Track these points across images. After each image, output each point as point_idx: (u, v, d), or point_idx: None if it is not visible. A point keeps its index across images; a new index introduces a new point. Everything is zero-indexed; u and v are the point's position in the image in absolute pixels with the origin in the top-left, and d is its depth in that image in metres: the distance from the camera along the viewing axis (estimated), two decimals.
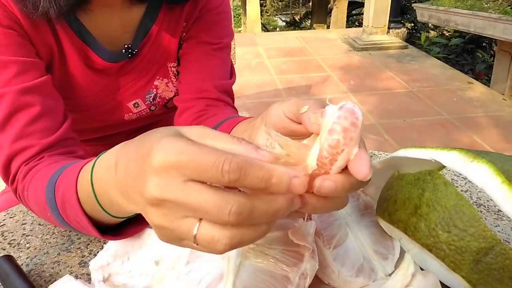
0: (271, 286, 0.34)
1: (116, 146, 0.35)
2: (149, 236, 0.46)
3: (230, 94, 0.74)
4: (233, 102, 0.75)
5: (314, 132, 0.32)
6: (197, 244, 0.27)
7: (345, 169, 0.30)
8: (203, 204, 0.25)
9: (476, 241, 0.31)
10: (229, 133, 0.57)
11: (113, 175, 0.33)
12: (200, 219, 0.26)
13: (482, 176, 0.36)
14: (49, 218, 0.48)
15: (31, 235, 0.56)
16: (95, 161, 0.39)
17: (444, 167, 0.40)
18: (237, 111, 0.74)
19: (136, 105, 0.73)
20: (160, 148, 0.27)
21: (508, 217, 0.58)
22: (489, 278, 0.31)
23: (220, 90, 0.71)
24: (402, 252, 0.47)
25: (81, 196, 0.42)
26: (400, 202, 0.37)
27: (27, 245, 0.54)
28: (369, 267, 0.43)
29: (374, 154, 0.77)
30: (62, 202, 0.44)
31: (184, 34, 0.70)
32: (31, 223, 0.58)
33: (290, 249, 0.37)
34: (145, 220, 0.47)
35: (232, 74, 0.76)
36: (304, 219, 0.43)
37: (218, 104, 0.71)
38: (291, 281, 0.34)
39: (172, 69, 0.72)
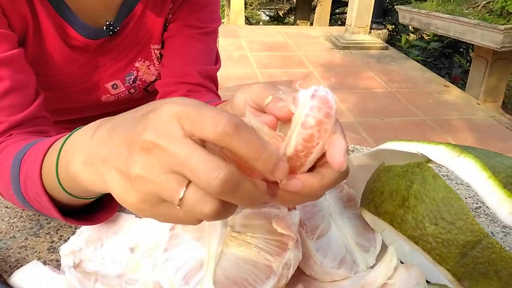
0: (253, 275, 0.33)
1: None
2: (125, 221, 0.44)
3: (214, 80, 0.72)
4: (217, 89, 0.73)
5: (283, 118, 0.31)
6: (179, 207, 0.25)
7: (319, 167, 0.30)
8: (192, 161, 0.24)
9: (464, 234, 0.31)
10: None
11: (88, 138, 0.31)
12: (189, 182, 0.25)
13: (468, 170, 0.36)
14: (11, 197, 0.45)
15: None
16: (74, 130, 0.37)
17: (429, 161, 0.40)
18: (220, 97, 0.72)
19: (115, 86, 0.70)
20: (172, 101, 0.27)
21: (486, 214, 0.59)
22: (475, 271, 0.31)
23: (203, 75, 0.69)
24: (384, 246, 0.47)
25: (44, 169, 0.39)
26: (387, 194, 0.36)
27: None
28: (351, 259, 0.43)
29: (356, 148, 0.76)
30: (24, 178, 0.41)
31: (170, 16, 0.67)
32: None
33: (273, 238, 0.36)
34: (112, 208, 0.45)
35: (217, 60, 0.74)
36: (288, 208, 0.42)
37: (200, 89, 0.69)
38: (274, 271, 0.33)
39: (155, 51, 0.70)
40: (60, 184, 0.37)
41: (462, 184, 0.66)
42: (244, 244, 0.35)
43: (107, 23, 0.62)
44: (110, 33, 0.63)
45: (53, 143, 0.40)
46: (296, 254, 0.35)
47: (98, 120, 0.33)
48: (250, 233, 0.36)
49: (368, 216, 0.43)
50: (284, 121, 0.31)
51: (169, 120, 0.25)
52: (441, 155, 0.39)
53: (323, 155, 0.30)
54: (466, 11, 3.21)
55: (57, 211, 0.40)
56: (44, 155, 0.40)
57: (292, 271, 0.34)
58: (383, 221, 0.37)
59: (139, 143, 0.26)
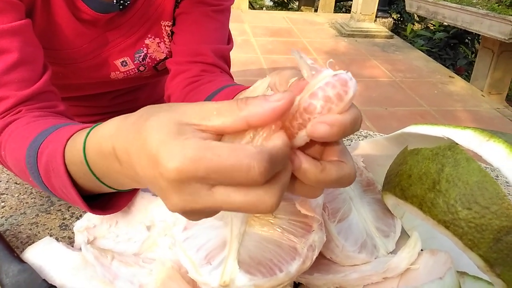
0: (278, 256, 0.32)
1: (104, 127, 0.32)
2: (142, 199, 0.43)
3: (227, 61, 0.70)
4: (230, 69, 0.71)
5: (298, 86, 0.28)
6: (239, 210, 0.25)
7: (327, 161, 0.28)
8: (237, 207, 0.24)
9: (498, 219, 0.30)
10: None
11: (117, 166, 0.30)
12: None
13: (498, 155, 0.35)
14: (30, 182, 0.43)
15: (6, 194, 0.51)
16: (85, 142, 0.35)
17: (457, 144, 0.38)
18: (233, 79, 0.70)
19: (124, 63, 0.68)
20: (170, 156, 0.23)
21: None
22: (509, 258, 0.30)
23: (217, 55, 0.67)
24: (402, 232, 0.46)
25: (71, 168, 0.38)
26: (416, 177, 0.35)
27: (2, 204, 0.49)
28: (372, 244, 0.42)
29: (369, 134, 0.75)
30: (46, 170, 0.39)
31: None
32: (6, 181, 0.54)
33: (297, 220, 0.35)
34: (135, 190, 0.44)
35: (229, 40, 0.72)
36: None
37: (214, 70, 0.67)
38: (299, 252, 0.32)
39: (166, 28, 0.68)
40: (97, 178, 0.35)
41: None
42: (268, 225, 0.34)
43: None
44: (120, 7, 0.61)
45: (69, 138, 0.38)
46: (321, 236, 0.34)
47: (107, 134, 0.31)
48: (273, 213, 0.35)
49: (390, 201, 0.42)
50: (298, 90, 0.28)
51: (186, 184, 0.24)
52: (468, 139, 0.38)
53: (332, 150, 0.28)
54: (474, 1, 3.16)
55: (86, 205, 0.38)
56: (63, 152, 0.37)
57: (316, 253, 0.33)
58: (411, 205, 0.35)
59: (172, 211, 0.26)
